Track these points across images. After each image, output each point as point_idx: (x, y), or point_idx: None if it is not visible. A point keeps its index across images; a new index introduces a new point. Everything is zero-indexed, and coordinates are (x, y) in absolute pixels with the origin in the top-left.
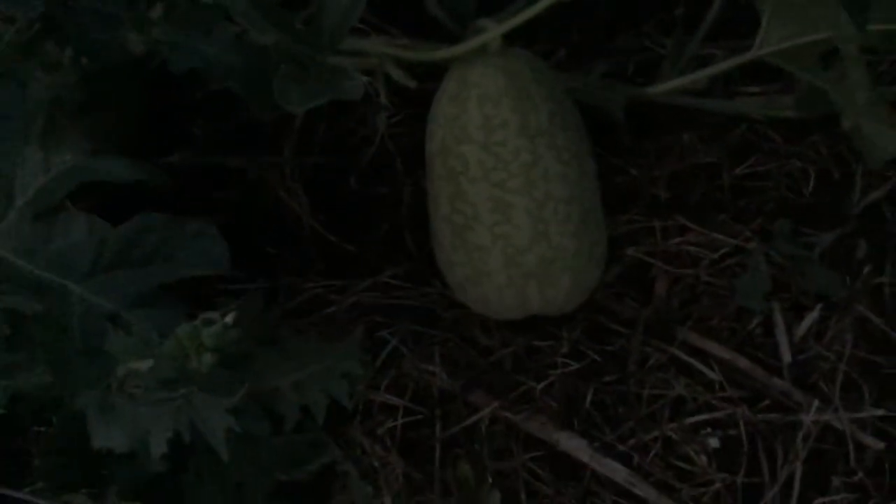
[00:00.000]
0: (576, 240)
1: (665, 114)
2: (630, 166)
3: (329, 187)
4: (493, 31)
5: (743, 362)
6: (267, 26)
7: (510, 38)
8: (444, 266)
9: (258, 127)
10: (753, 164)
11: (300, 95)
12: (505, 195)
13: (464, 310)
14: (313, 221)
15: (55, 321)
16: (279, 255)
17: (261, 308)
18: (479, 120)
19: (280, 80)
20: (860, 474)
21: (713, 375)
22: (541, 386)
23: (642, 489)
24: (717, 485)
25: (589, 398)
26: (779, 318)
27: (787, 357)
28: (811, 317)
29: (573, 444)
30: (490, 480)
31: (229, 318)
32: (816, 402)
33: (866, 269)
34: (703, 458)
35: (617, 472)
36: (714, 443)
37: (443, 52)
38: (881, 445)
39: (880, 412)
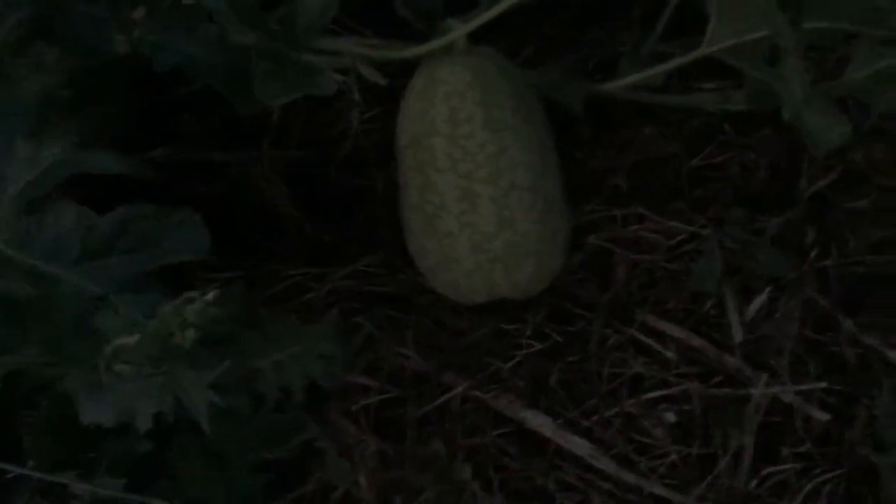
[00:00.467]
0: (539, 226)
1: (625, 109)
2: (591, 158)
3: (307, 180)
4: (458, 30)
5: (697, 341)
6: (245, 27)
7: (476, 38)
8: (415, 253)
9: (240, 123)
10: (708, 156)
11: (277, 90)
12: (472, 185)
13: (435, 295)
14: (292, 212)
15: (47, 304)
16: (260, 245)
17: (242, 293)
18: (446, 114)
19: (259, 77)
20: (807, 444)
21: (669, 354)
22: (508, 366)
23: (604, 462)
24: (674, 456)
25: (553, 377)
26: (731, 300)
27: (738, 336)
28: (761, 298)
29: (539, 421)
30: (461, 456)
31: (210, 297)
32: (765, 378)
33: (813, 254)
34: (661, 432)
35: (580, 446)
36: (670, 417)
37: (412, 51)
38: (827, 417)
39: (823, 384)
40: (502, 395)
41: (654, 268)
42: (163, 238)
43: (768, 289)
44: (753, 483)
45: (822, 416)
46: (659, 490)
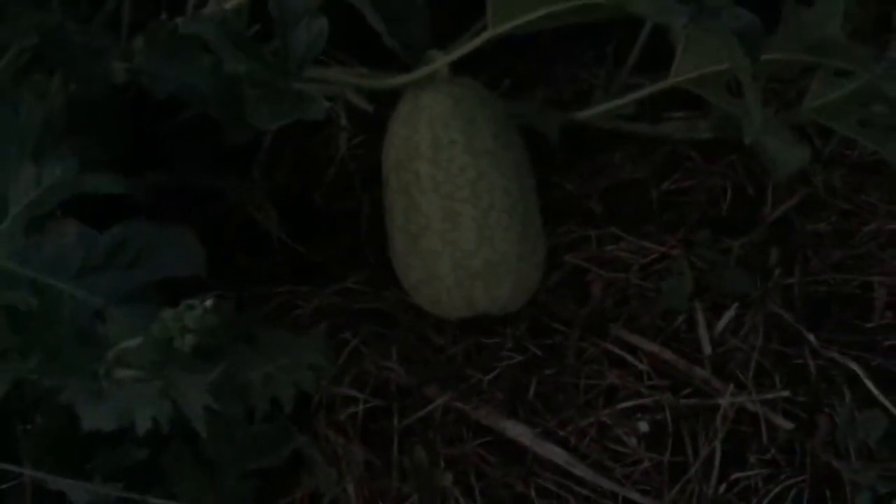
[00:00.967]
0: (517, 245)
1: (598, 136)
2: (567, 183)
3: (295, 203)
4: (441, 60)
5: (668, 354)
6: (240, 56)
7: (458, 69)
8: (399, 270)
9: (230, 150)
10: (677, 181)
11: (270, 116)
12: (453, 205)
13: (419, 311)
14: (281, 234)
15: (48, 315)
16: (250, 266)
17: (233, 309)
18: (430, 139)
19: (252, 103)
20: (773, 452)
21: (642, 367)
22: (488, 378)
23: (580, 469)
24: (647, 464)
25: (532, 389)
26: (700, 316)
27: (707, 349)
28: (728, 314)
29: (518, 431)
30: (443, 465)
31: (209, 303)
32: (732, 388)
33: (777, 272)
34: (634, 441)
35: (557, 454)
36: (643, 426)
37: (397, 80)
38: (791, 426)
39: (786, 394)
40: (482, 406)
41: (627, 285)
42: (159, 254)
43: (735, 305)
44: (722, 488)
45: (787, 425)
46: (633, 495)
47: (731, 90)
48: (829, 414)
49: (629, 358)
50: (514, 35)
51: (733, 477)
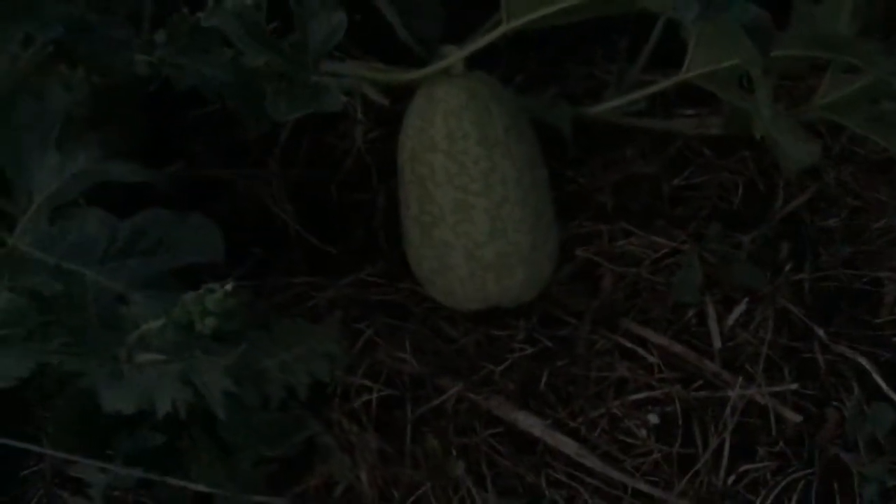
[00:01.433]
0: (529, 237)
1: (610, 131)
2: (579, 177)
3: (311, 195)
4: (456, 55)
5: (678, 348)
6: (259, 49)
7: (472, 64)
8: (413, 261)
9: (247, 143)
10: (688, 176)
11: (288, 107)
12: (467, 197)
13: (432, 303)
14: (297, 226)
15: (71, 300)
16: (266, 257)
17: (251, 298)
18: (444, 132)
19: (271, 95)
20: (781, 444)
21: (652, 359)
22: (500, 370)
23: (590, 460)
24: (656, 455)
25: (543, 380)
26: (710, 310)
27: (717, 343)
28: (739, 308)
29: (529, 422)
30: (455, 454)
31: (229, 287)
32: (742, 381)
33: (787, 267)
34: (644, 432)
35: (568, 445)
36: (653, 418)
37: (412, 74)
38: (799, 418)
39: (795, 386)
40: (494, 397)
41: (638, 279)
42: (179, 241)
43: (745, 300)
44: (731, 480)
45: (795, 418)
46: (643, 486)
47: (743, 86)
48: (837, 407)
49: (640, 350)
50: (526, 31)
51: (742, 469)
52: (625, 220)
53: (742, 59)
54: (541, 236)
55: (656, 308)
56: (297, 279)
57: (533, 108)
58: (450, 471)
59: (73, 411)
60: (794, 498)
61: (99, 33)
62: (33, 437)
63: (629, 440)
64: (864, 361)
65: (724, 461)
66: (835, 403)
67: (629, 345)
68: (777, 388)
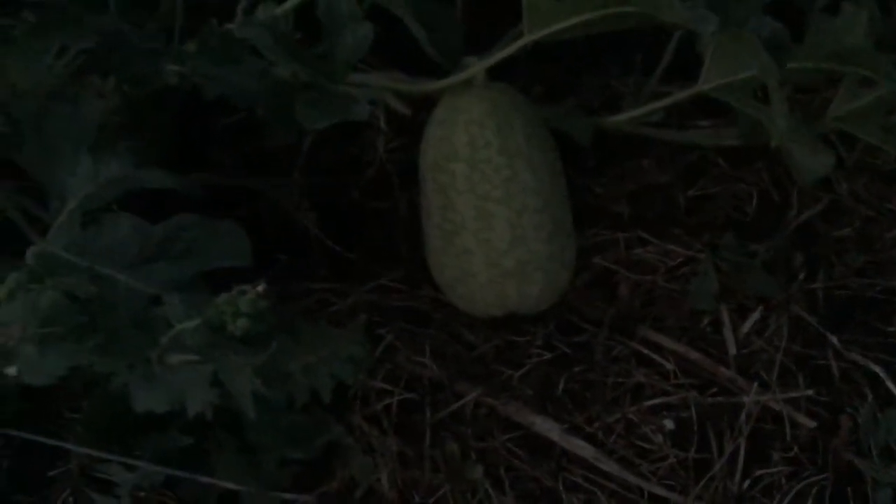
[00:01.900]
0: (548, 245)
1: (627, 142)
2: (596, 186)
3: (334, 203)
4: (477, 66)
5: (694, 355)
6: (289, 60)
7: (493, 75)
8: (434, 268)
9: (272, 152)
10: (703, 186)
11: (316, 116)
12: (488, 205)
13: (451, 310)
14: (319, 233)
15: (105, 302)
16: (289, 263)
17: (276, 302)
18: (466, 140)
19: (300, 105)
20: (796, 450)
21: (668, 366)
22: (518, 375)
23: (607, 465)
24: (672, 460)
25: (560, 385)
26: (725, 318)
27: (732, 350)
28: (753, 316)
29: (546, 426)
30: (473, 457)
31: (261, 289)
32: (757, 388)
33: (801, 276)
34: (660, 438)
35: (585, 450)
36: (669, 424)
37: (434, 85)
38: (813, 424)
39: (810, 392)
40: (512, 402)
41: (654, 287)
42: (209, 246)
43: (760, 308)
44: (746, 485)
45: (810, 424)
46: (659, 491)
47: (757, 98)
48: (851, 414)
49: (656, 357)
50: (545, 43)
51: (757, 474)
52: (641, 229)
53: (759, 70)
54: (560, 245)
55: (672, 315)
56: (319, 285)
57: (552, 118)
58: (468, 474)
59: (101, 411)
60: (808, 502)
61: (131, 44)
62: (59, 436)
63: (645, 445)
64: (877, 369)
65: (739, 466)
66: (848, 410)
67: (645, 351)
68: (791, 395)
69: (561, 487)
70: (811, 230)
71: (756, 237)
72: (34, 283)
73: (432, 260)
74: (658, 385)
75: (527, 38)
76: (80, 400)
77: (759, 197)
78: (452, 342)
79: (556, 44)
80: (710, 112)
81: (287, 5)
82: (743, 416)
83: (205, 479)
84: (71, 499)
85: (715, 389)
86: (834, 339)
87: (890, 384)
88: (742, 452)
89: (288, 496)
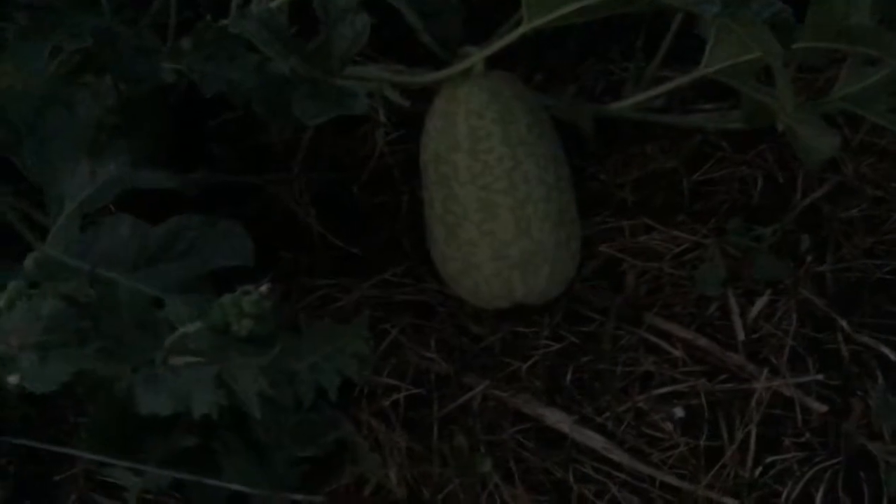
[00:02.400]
0: (553, 234)
1: (630, 128)
2: (600, 173)
3: (334, 198)
4: (476, 55)
5: (702, 341)
6: (285, 54)
7: (492, 63)
8: (438, 261)
9: (270, 148)
10: (708, 171)
11: (315, 111)
12: (490, 196)
13: (457, 303)
14: (321, 228)
15: (107, 305)
16: (292, 259)
17: (279, 300)
18: (467, 131)
19: (297, 99)
20: (807, 435)
21: (677, 353)
22: (526, 366)
23: (617, 455)
24: (683, 448)
25: (569, 376)
26: (733, 303)
27: (741, 335)
28: (762, 301)
29: (555, 417)
30: (483, 451)
31: (265, 289)
32: (767, 373)
33: (809, 259)
34: (670, 426)
35: (595, 440)
36: (679, 412)
37: (433, 76)
38: (825, 409)
39: (820, 377)
40: (521, 394)
41: (660, 274)
42: (210, 246)
43: (768, 292)
44: (758, 471)
45: (821, 408)
46: (670, 479)
47: (761, 79)
48: (862, 397)
49: (664, 345)
50: (544, 29)
51: (769, 460)
52: (646, 216)
53: (763, 52)
54: (564, 233)
55: (679, 302)
56: (322, 281)
57: (553, 106)
58: (478, 468)
59: (106, 415)
60: (822, 488)
61: (126, 42)
62: (64, 441)
63: (656, 434)
64: (887, 351)
65: (751, 453)
66: (859, 393)
67: (654, 339)
68: (802, 379)
69: (571, 478)
70: (818, 212)
71: (762, 221)
72: (34, 289)
73: (436, 252)
74: (667, 373)
75: (526, 26)
76: (85, 404)
77: (765, 180)
78: (458, 335)
79: (555, 30)
80: (713, 96)
81: None
82: (753, 402)
83: (212, 483)
84: (78, 503)
85: (724, 376)
86: (843, 322)
87: None
88: (753, 439)
89: (298, 497)
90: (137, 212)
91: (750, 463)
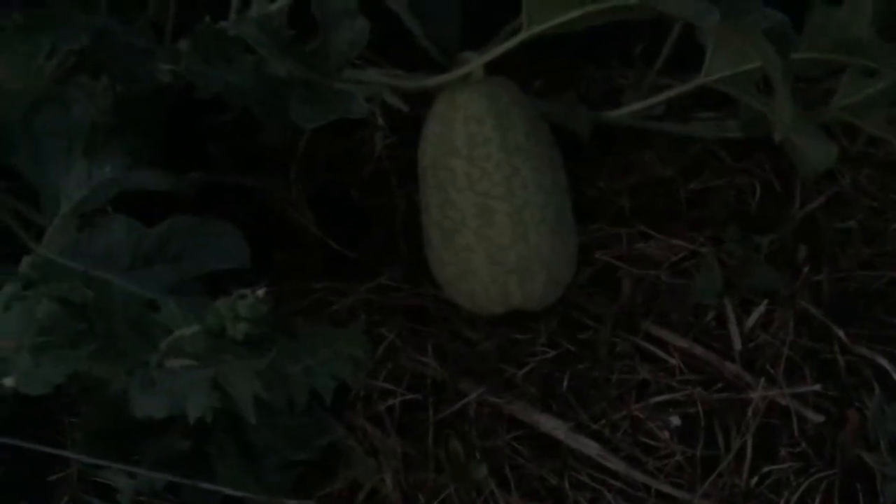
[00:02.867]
0: (550, 240)
1: (628, 135)
2: (597, 181)
3: (331, 201)
4: (475, 61)
5: (699, 350)
6: (283, 56)
7: (491, 70)
8: (435, 266)
9: (267, 150)
10: (705, 179)
11: (312, 114)
12: (488, 202)
13: (453, 308)
14: (317, 231)
15: (102, 307)
16: (287, 262)
17: (274, 303)
18: (465, 137)
19: (294, 102)
20: (803, 445)
21: (673, 362)
22: (521, 373)
23: (613, 462)
24: (679, 457)
25: (564, 383)
26: (730, 312)
27: (737, 345)
28: (758, 310)
29: (551, 425)
30: (478, 457)
31: (261, 293)
32: (763, 383)
33: (806, 269)
34: (666, 434)
35: (590, 448)
36: (675, 420)
37: (432, 81)
38: (821, 419)
39: (817, 387)
40: (516, 401)
41: (657, 282)
42: (205, 248)
43: (765, 301)
44: (754, 481)
45: (817, 418)
46: (666, 488)
47: (760, 89)
48: (858, 407)
49: (660, 353)
50: (544, 36)
51: (765, 470)
52: (643, 224)
53: (763, 62)
54: (561, 240)
55: (676, 311)
56: (318, 284)
57: (552, 112)
58: (473, 474)
59: (99, 417)
60: (818, 498)
61: (122, 43)
62: (57, 442)
63: (651, 442)
64: (883, 361)
65: (747, 462)
66: (856, 404)
67: (650, 347)
68: (798, 390)
69: (567, 486)
70: (815, 222)
71: (759, 230)
72: (29, 290)
73: (433, 257)
74: (663, 381)
75: (526, 32)
76: (78, 405)
77: (762, 189)
78: (454, 340)
79: (555, 37)
80: (712, 103)
81: (281, 1)
82: (750, 412)
83: (205, 486)
84: None
85: (721, 385)
86: (840, 333)
87: None
88: (749, 448)
89: (291, 501)
90: (133, 213)
91: (746, 472)
